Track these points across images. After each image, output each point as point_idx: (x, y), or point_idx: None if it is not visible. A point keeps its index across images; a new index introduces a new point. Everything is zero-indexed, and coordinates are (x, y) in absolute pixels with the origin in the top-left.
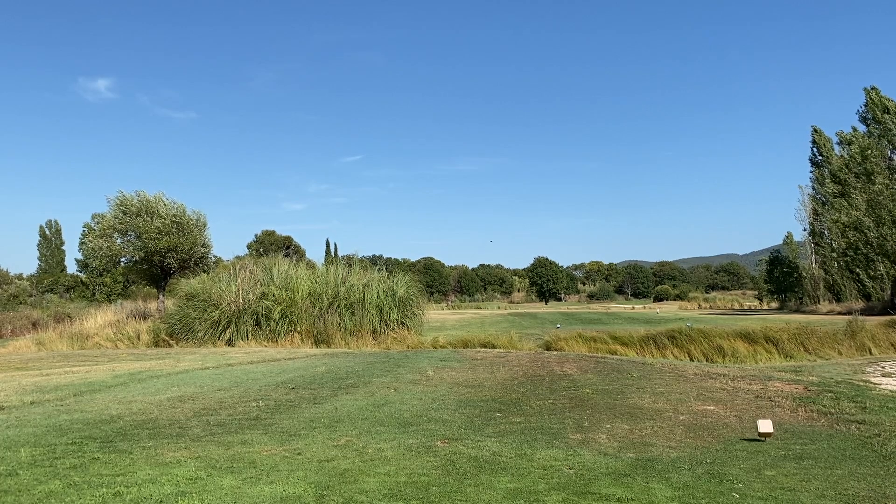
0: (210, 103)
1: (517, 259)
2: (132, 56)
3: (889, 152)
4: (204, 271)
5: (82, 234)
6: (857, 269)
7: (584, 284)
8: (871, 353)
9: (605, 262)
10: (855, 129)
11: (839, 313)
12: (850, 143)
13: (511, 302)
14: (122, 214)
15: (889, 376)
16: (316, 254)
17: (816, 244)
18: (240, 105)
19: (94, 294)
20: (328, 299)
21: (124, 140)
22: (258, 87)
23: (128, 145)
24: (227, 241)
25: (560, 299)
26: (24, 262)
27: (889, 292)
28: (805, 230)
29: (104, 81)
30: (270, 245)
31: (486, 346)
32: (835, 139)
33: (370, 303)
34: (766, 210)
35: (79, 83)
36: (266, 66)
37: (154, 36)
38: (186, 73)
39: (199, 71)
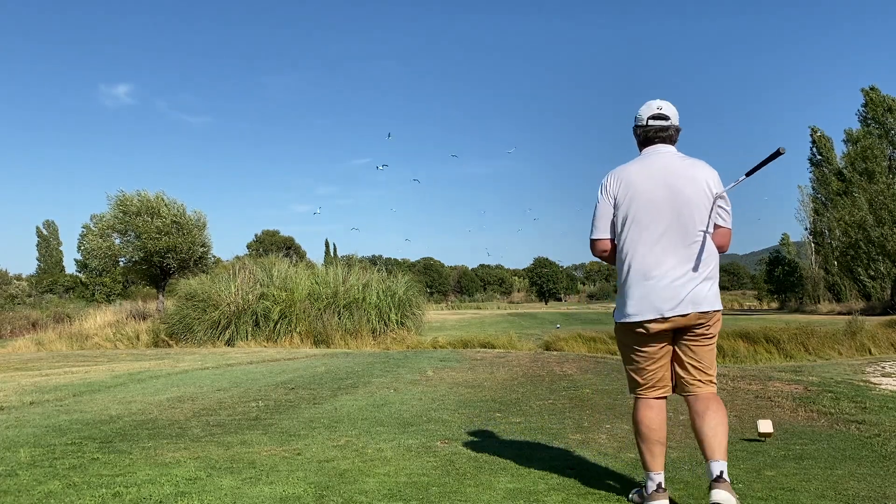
0: (225, 109)
1: (517, 259)
2: (151, 63)
3: (889, 152)
4: (203, 271)
5: (80, 235)
6: (859, 268)
7: (584, 284)
8: (870, 353)
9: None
10: (862, 128)
11: (839, 313)
12: (856, 142)
13: (511, 302)
14: (121, 214)
15: (889, 376)
16: (317, 254)
17: (817, 244)
18: (254, 110)
19: (93, 294)
20: (327, 299)
21: (140, 144)
22: (273, 93)
23: (143, 149)
24: (229, 241)
25: (560, 299)
26: (25, 262)
27: (889, 292)
28: (806, 229)
29: (124, 87)
30: (271, 245)
31: (485, 347)
32: (840, 137)
33: (370, 303)
34: (765, 210)
35: (100, 90)
36: (282, 73)
37: (173, 44)
38: (203, 79)
39: (215, 77)
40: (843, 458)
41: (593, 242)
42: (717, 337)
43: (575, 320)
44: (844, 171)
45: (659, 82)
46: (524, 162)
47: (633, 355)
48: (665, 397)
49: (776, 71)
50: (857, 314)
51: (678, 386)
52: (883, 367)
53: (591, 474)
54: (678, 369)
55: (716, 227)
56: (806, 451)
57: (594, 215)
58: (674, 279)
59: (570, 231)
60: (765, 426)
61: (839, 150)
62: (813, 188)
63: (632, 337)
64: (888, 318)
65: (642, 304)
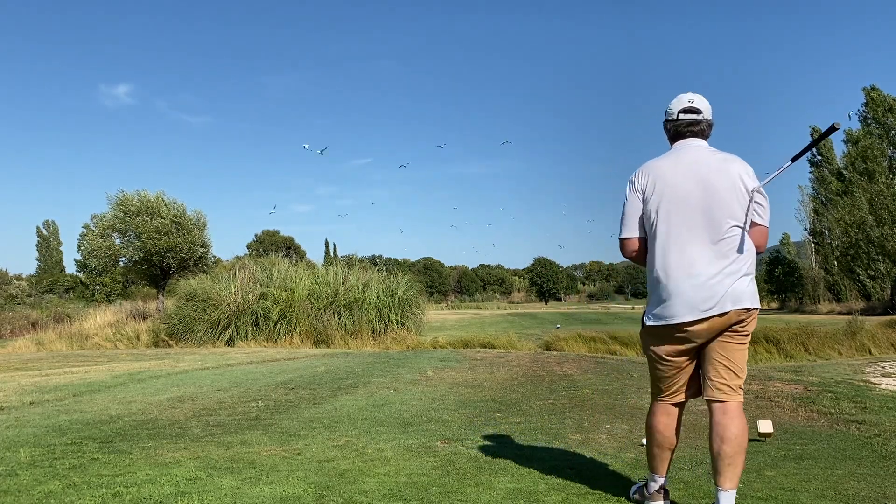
0: (225, 108)
1: (517, 259)
2: (151, 63)
3: (890, 152)
4: (203, 271)
5: (80, 235)
6: (859, 268)
7: (584, 284)
8: (870, 353)
9: (605, 262)
10: (862, 128)
11: (839, 313)
12: (856, 142)
13: (511, 302)
14: (121, 214)
15: (889, 376)
16: (317, 254)
17: (817, 244)
18: (254, 110)
19: (93, 294)
20: (327, 299)
21: (140, 144)
22: (273, 93)
23: (143, 149)
24: (229, 241)
25: (560, 299)
26: (25, 262)
27: (889, 292)
28: (806, 230)
29: (124, 87)
30: (271, 245)
31: (485, 347)
32: (840, 137)
33: (369, 303)
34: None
35: (100, 90)
36: (282, 73)
37: (173, 44)
38: (203, 79)
39: (215, 77)
40: (843, 458)
41: (622, 242)
42: (749, 338)
43: (575, 320)
44: (844, 171)
45: (659, 82)
46: (524, 162)
47: (658, 364)
48: (683, 403)
49: (776, 71)
50: (857, 314)
51: (703, 389)
52: (883, 367)
53: (591, 474)
54: (707, 368)
55: (752, 224)
56: (806, 451)
57: (623, 213)
58: (709, 277)
59: (570, 230)
60: (765, 426)
61: (839, 150)
62: (813, 188)
63: (662, 341)
64: (888, 318)
65: (678, 305)
